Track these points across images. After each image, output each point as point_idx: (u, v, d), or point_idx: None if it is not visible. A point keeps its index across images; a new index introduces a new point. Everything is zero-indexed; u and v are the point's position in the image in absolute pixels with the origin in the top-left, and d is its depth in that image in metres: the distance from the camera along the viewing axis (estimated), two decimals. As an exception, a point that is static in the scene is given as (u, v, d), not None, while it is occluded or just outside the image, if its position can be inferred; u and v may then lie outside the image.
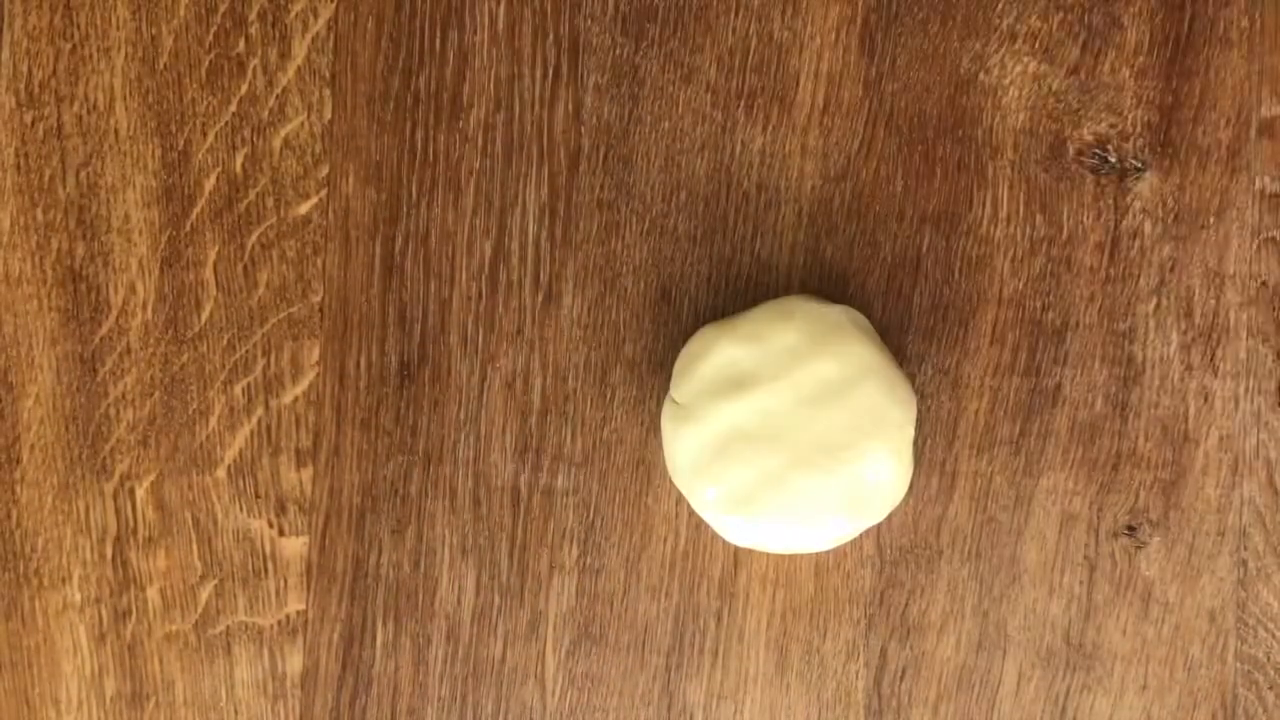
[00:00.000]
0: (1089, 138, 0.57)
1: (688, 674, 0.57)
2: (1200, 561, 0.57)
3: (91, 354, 0.58)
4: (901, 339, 0.58)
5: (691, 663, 0.57)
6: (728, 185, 0.58)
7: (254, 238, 0.59)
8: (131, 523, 0.58)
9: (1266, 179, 0.57)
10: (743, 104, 0.58)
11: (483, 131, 0.58)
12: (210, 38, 0.59)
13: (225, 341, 0.58)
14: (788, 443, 0.53)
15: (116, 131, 0.59)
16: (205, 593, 0.58)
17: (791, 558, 0.57)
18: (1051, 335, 0.57)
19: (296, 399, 0.58)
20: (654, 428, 0.58)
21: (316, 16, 0.59)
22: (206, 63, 0.59)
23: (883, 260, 0.58)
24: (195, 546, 0.58)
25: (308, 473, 0.58)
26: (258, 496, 0.58)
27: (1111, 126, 0.57)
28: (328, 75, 0.59)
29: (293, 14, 0.59)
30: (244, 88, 0.59)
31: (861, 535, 0.57)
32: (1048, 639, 0.57)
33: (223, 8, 0.59)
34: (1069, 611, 0.57)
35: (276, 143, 0.59)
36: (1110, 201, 0.57)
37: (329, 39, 0.59)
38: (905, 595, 0.57)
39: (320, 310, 0.58)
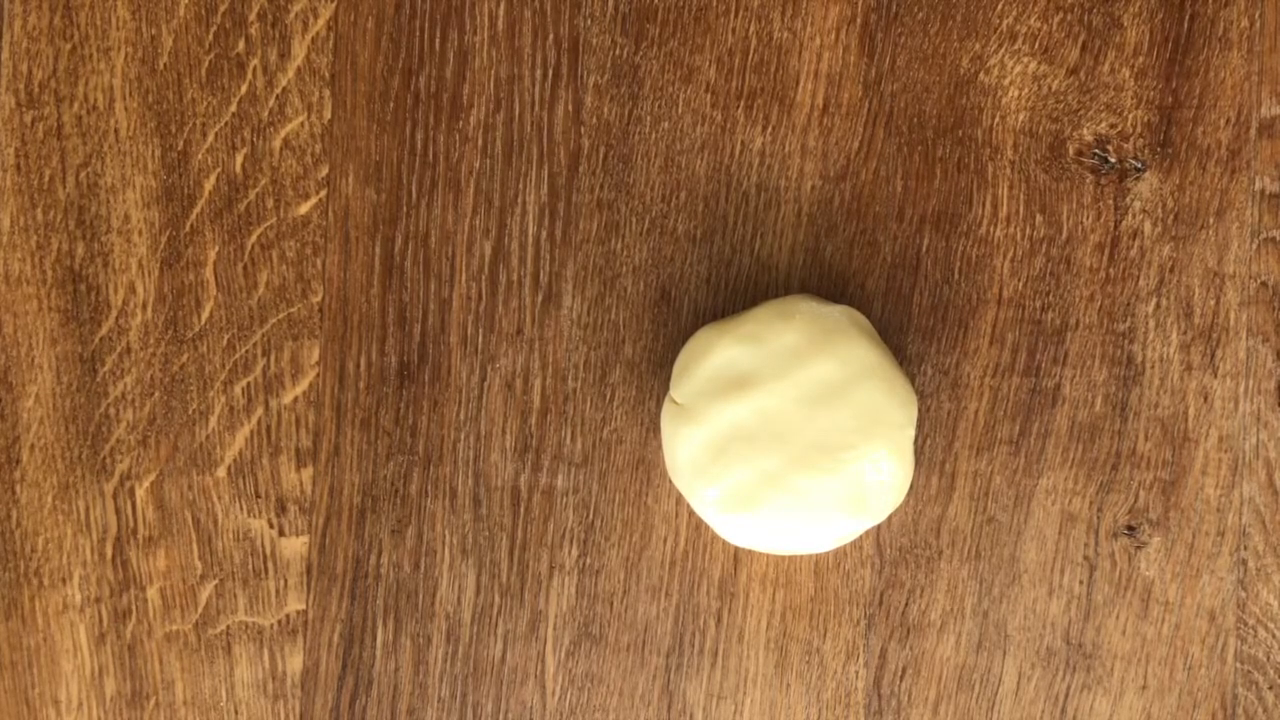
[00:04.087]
0: (1089, 138, 0.57)
1: (688, 674, 0.57)
2: (1200, 561, 0.57)
3: (91, 354, 0.58)
4: (901, 339, 0.58)
5: (691, 663, 0.57)
6: (728, 185, 0.58)
7: (254, 238, 0.59)
8: (131, 523, 0.58)
9: (1266, 179, 0.57)
10: (743, 104, 0.58)
11: (483, 131, 0.58)
12: (210, 38, 0.59)
13: (225, 341, 0.58)
14: (788, 443, 0.53)
15: (116, 131, 0.59)
16: (205, 593, 0.58)
17: (791, 558, 0.57)
18: (1051, 335, 0.57)
19: (296, 399, 0.58)
20: (654, 428, 0.58)
21: (316, 16, 0.59)
22: (206, 63, 0.59)
23: (883, 260, 0.58)
24: (195, 546, 0.58)
25: (308, 473, 0.58)
26: (258, 496, 0.58)
27: (1111, 126, 0.57)
28: (328, 75, 0.59)
29: (293, 14, 0.59)
30: (244, 88, 0.59)
31: (861, 535, 0.57)
32: (1048, 639, 0.57)
33: (223, 8, 0.59)
34: (1069, 611, 0.57)
35: (276, 143, 0.59)
36: (1110, 201, 0.57)
37: (329, 39, 0.59)
38: (905, 595, 0.57)
39: (320, 310, 0.58)
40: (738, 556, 0.57)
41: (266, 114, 0.59)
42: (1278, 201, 0.57)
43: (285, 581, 0.58)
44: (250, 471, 0.58)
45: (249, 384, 0.58)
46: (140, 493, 0.58)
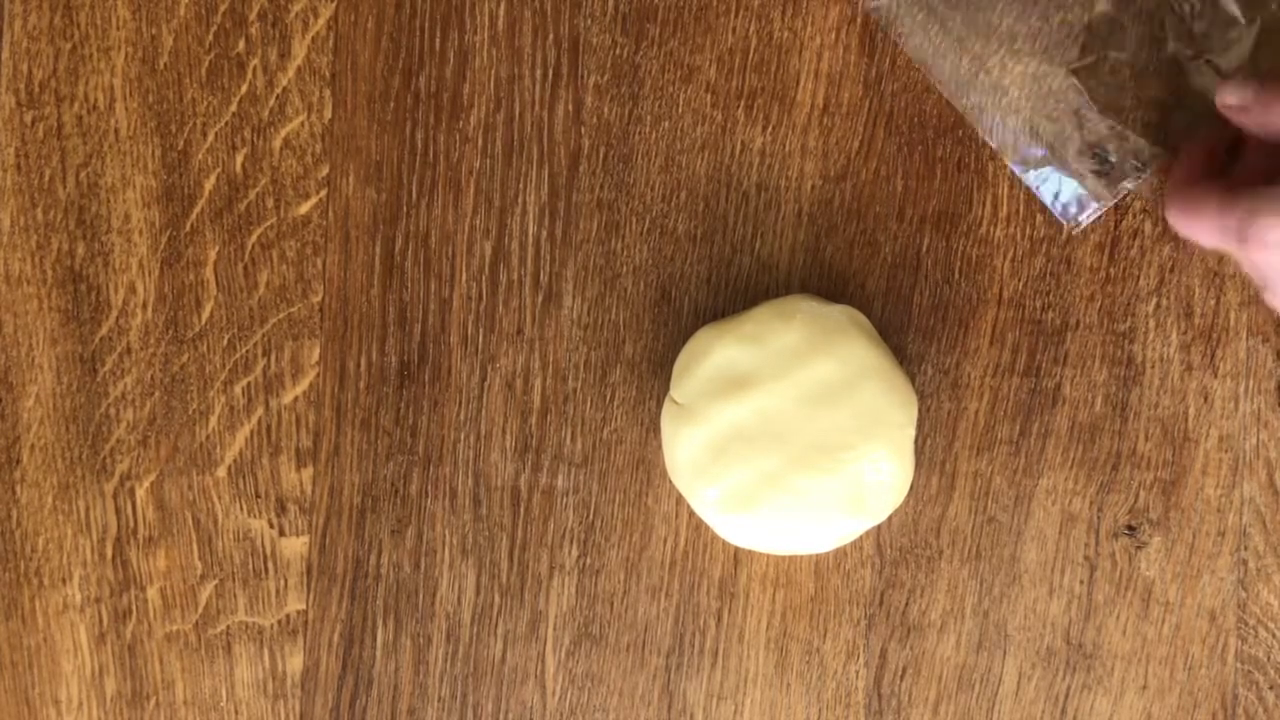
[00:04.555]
0: (1089, 138, 0.57)
1: (688, 674, 0.57)
2: (1200, 561, 0.57)
3: (91, 354, 0.58)
4: (901, 339, 0.58)
5: (691, 663, 0.57)
6: (728, 185, 0.58)
7: (254, 238, 0.59)
8: (132, 523, 0.58)
9: (1266, 179, 0.57)
10: (743, 104, 0.58)
11: (483, 131, 0.58)
12: (210, 38, 0.59)
13: (225, 341, 0.58)
14: (788, 443, 0.53)
15: (116, 131, 0.59)
16: (205, 593, 0.58)
17: (791, 558, 0.57)
18: (1051, 335, 0.57)
19: (296, 399, 0.58)
20: (654, 428, 0.58)
21: (316, 16, 0.59)
22: (206, 63, 0.59)
23: (883, 260, 0.58)
24: (195, 546, 0.58)
25: (308, 473, 0.58)
26: (258, 496, 0.58)
27: (1111, 127, 0.57)
28: (328, 75, 0.59)
29: (293, 14, 0.59)
30: (244, 88, 0.59)
31: (861, 535, 0.57)
32: (1048, 639, 0.57)
33: (223, 8, 0.59)
34: (1069, 611, 0.57)
35: (276, 143, 0.59)
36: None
37: (329, 39, 0.59)
38: (905, 595, 0.57)
39: (320, 310, 0.58)
40: (738, 556, 0.57)
41: (267, 114, 0.59)
42: (1278, 201, 0.57)
43: (285, 581, 0.58)
44: (250, 471, 0.58)
45: (249, 384, 0.58)
46: (140, 493, 0.58)
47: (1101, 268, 0.57)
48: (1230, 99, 0.49)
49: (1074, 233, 0.57)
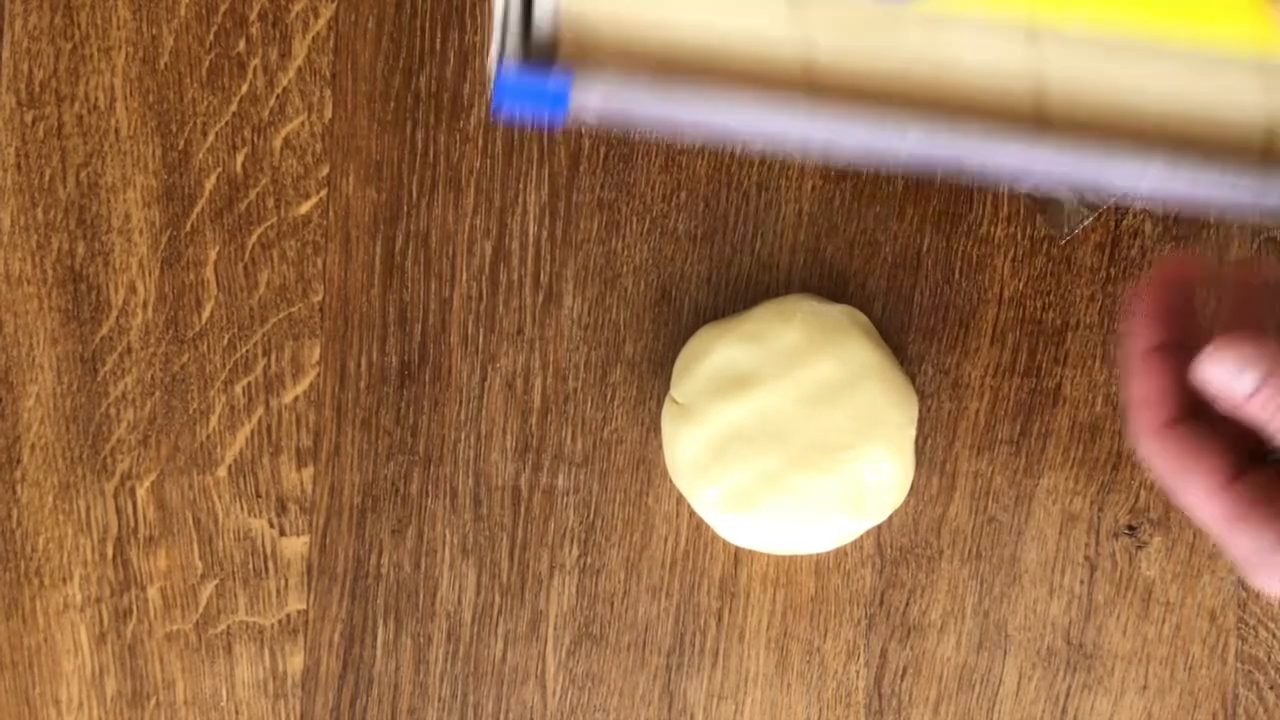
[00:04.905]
0: (1089, 137, 0.57)
1: (688, 674, 0.57)
2: (1200, 561, 0.57)
3: (92, 354, 0.59)
4: (901, 339, 0.58)
5: (691, 663, 0.57)
6: (728, 185, 0.58)
7: (254, 238, 0.59)
8: (132, 522, 0.58)
9: (1267, 179, 0.57)
10: (743, 104, 0.58)
11: (483, 131, 0.58)
12: (210, 38, 0.59)
13: (226, 341, 0.58)
14: (788, 443, 0.53)
15: (116, 131, 0.59)
16: (206, 592, 0.58)
17: (791, 558, 0.57)
18: (1051, 335, 0.57)
19: (297, 399, 0.58)
20: (654, 428, 0.58)
21: (317, 16, 0.59)
22: (207, 63, 0.59)
23: (883, 260, 0.58)
24: (196, 546, 0.58)
25: (308, 472, 0.58)
26: (258, 496, 0.58)
27: (1112, 126, 0.57)
28: (328, 75, 0.59)
29: (293, 14, 0.59)
30: (244, 88, 0.59)
31: (861, 535, 0.57)
32: (1048, 639, 0.57)
33: (223, 8, 0.59)
34: (1069, 611, 0.57)
35: (277, 143, 0.59)
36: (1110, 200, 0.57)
37: (329, 39, 0.59)
38: (905, 595, 0.57)
39: (320, 310, 0.58)
40: (738, 556, 0.57)
41: (267, 114, 0.59)
42: (1278, 201, 0.57)
43: (286, 581, 0.58)
44: (251, 471, 0.58)
45: (249, 383, 0.58)
46: (141, 492, 0.58)
47: (1101, 268, 0.57)
48: (1230, 383, 0.28)
49: (1061, 242, 0.57)
